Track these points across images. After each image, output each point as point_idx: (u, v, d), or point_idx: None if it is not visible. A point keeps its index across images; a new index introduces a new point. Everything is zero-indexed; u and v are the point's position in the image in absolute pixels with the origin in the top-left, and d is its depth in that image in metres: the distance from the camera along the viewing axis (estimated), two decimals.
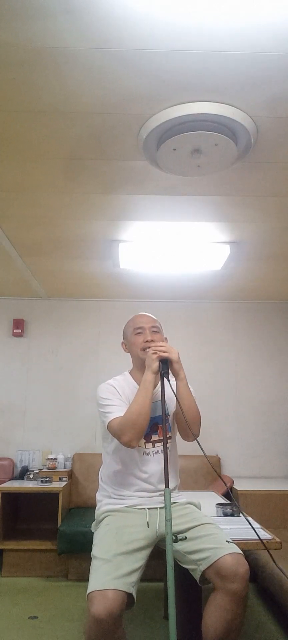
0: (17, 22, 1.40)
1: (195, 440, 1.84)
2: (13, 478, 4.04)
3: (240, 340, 4.52)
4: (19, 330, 4.40)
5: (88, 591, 1.58)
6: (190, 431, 1.89)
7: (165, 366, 1.88)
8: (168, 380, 1.87)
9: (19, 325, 4.42)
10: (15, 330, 4.40)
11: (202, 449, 1.71)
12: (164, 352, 1.89)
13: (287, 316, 4.57)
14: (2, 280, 3.97)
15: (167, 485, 1.61)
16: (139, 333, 2.06)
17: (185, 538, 1.72)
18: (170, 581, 1.48)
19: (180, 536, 1.66)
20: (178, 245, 3.10)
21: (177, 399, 1.91)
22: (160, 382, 1.88)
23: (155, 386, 1.95)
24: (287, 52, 1.51)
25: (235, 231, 2.89)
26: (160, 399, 1.94)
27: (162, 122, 1.80)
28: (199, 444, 1.75)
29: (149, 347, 1.96)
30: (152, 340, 2.01)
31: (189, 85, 1.66)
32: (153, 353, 1.89)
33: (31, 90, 1.68)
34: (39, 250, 3.25)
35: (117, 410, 1.91)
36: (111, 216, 2.71)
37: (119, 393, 2.00)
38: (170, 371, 1.91)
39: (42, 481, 3.67)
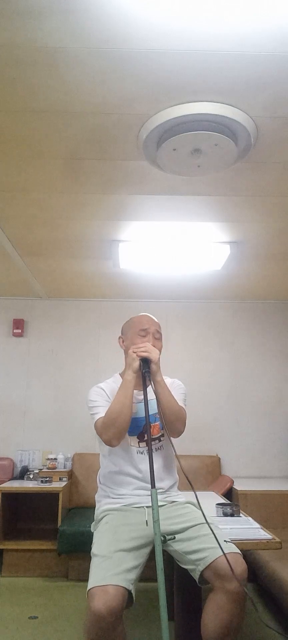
0: (17, 22, 1.40)
1: (169, 439, 1.92)
2: (13, 478, 4.03)
3: (240, 340, 4.52)
4: (19, 330, 4.40)
5: (88, 587, 1.58)
6: (169, 429, 1.94)
7: (146, 365, 1.91)
8: (150, 379, 1.90)
9: (19, 325, 4.42)
10: (15, 330, 4.40)
11: (173, 446, 1.83)
12: (144, 352, 1.92)
13: (287, 316, 4.57)
14: (2, 280, 3.97)
15: (153, 485, 1.62)
16: (142, 335, 2.05)
17: (174, 538, 1.73)
18: (161, 583, 1.49)
19: (168, 537, 1.67)
20: (178, 245, 3.10)
21: (157, 398, 1.94)
22: (143, 382, 1.91)
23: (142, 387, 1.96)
24: (287, 53, 1.51)
25: (235, 231, 2.89)
26: (151, 398, 1.96)
27: (162, 122, 1.81)
28: (171, 442, 1.88)
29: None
30: (153, 347, 2.00)
31: (189, 85, 1.66)
32: (133, 352, 1.93)
33: (31, 90, 1.68)
34: (39, 250, 3.25)
35: (102, 411, 1.95)
36: (111, 216, 2.71)
37: (107, 394, 2.02)
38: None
39: (42, 481, 3.67)
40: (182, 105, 1.75)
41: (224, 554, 1.62)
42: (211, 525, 1.69)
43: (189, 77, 1.62)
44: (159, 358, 1.96)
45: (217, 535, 1.73)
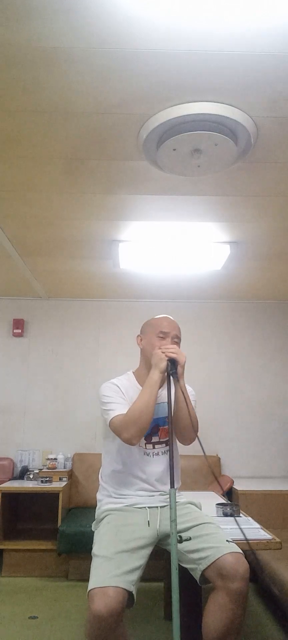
0: (17, 22, 1.40)
1: (197, 439, 1.84)
2: (13, 478, 4.03)
3: (240, 340, 4.52)
4: (19, 330, 4.40)
5: (88, 588, 1.58)
6: (182, 436, 1.92)
7: (173, 367, 1.88)
8: (177, 379, 1.87)
9: (19, 325, 4.42)
10: (15, 330, 4.40)
11: (202, 448, 1.70)
12: (173, 353, 1.89)
13: (287, 316, 4.57)
14: (2, 280, 3.97)
15: (172, 485, 1.60)
16: (162, 337, 2.03)
17: (190, 539, 1.70)
18: (175, 582, 1.48)
19: (184, 536, 1.65)
20: (178, 245, 3.10)
21: (183, 401, 1.90)
22: (166, 384, 1.88)
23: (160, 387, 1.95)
24: (287, 53, 1.51)
25: (235, 231, 2.89)
26: (163, 401, 1.95)
27: (162, 122, 1.80)
28: (201, 444, 1.74)
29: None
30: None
31: (189, 85, 1.66)
32: (162, 352, 1.89)
33: (31, 90, 1.68)
34: (39, 250, 3.25)
35: (119, 408, 1.91)
36: (111, 216, 2.71)
37: (122, 392, 1.99)
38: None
39: (42, 481, 3.67)
40: (182, 105, 1.75)
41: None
42: (214, 524, 1.69)
43: (189, 77, 1.62)
44: (185, 362, 1.92)
45: (218, 535, 1.74)
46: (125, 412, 1.88)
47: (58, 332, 4.47)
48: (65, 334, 4.47)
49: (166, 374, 1.88)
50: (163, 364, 1.87)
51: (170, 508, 1.56)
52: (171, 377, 1.87)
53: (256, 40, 1.47)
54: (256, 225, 2.80)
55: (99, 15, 1.38)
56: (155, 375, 1.88)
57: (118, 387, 2.00)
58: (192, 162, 2.02)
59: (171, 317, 2.13)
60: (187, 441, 1.98)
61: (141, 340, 2.12)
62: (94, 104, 1.75)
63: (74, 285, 4.08)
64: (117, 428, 1.87)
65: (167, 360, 1.87)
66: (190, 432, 1.92)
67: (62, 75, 1.61)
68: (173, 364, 1.88)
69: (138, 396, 1.90)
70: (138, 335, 2.16)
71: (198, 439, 1.82)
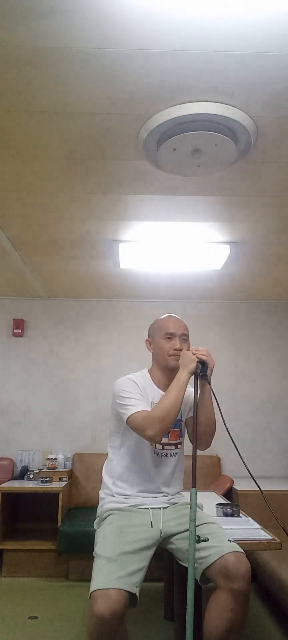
0: (17, 22, 1.40)
1: (230, 437, 1.92)
2: (13, 478, 4.03)
3: (240, 340, 4.52)
4: (19, 330, 4.40)
5: (91, 590, 1.57)
6: (200, 440, 1.94)
7: (203, 369, 1.89)
8: (208, 381, 1.89)
9: (19, 325, 4.41)
10: (15, 330, 4.40)
11: (235, 446, 1.85)
12: (204, 355, 1.89)
13: (287, 316, 4.57)
14: (2, 280, 3.97)
15: (193, 485, 1.63)
16: (168, 338, 2.02)
17: (207, 539, 1.68)
18: (190, 582, 1.51)
19: (202, 537, 1.64)
20: (178, 245, 3.10)
21: (201, 406, 1.93)
22: (193, 385, 1.90)
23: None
24: (287, 52, 1.51)
25: (235, 231, 2.89)
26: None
27: (162, 122, 1.81)
28: (232, 440, 1.89)
29: (178, 357, 1.95)
30: (181, 349, 1.98)
31: (189, 85, 1.66)
32: (193, 354, 1.89)
33: (31, 90, 1.68)
34: (39, 250, 3.25)
35: (139, 404, 1.88)
36: (111, 216, 2.71)
37: (140, 389, 1.97)
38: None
39: (42, 481, 3.67)
40: (182, 105, 1.75)
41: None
42: (216, 524, 1.70)
43: (189, 77, 1.62)
44: (213, 367, 1.92)
45: (220, 535, 1.74)
46: (145, 408, 1.87)
47: (58, 332, 4.47)
48: (65, 334, 4.47)
49: (195, 375, 1.89)
50: (193, 365, 1.87)
51: (191, 508, 1.58)
52: (198, 380, 1.88)
53: (256, 40, 1.46)
54: (256, 225, 2.79)
55: (99, 15, 1.38)
56: (184, 375, 1.87)
57: (136, 383, 1.98)
58: (192, 162, 2.02)
59: (176, 316, 2.11)
60: (204, 445, 2.01)
61: (150, 344, 2.12)
62: (94, 104, 1.75)
63: (74, 285, 4.08)
64: (139, 424, 1.83)
65: (198, 361, 1.87)
66: (210, 438, 2.00)
67: (62, 75, 1.61)
68: (203, 366, 1.89)
69: (165, 395, 1.88)
70: (147, 340, 2.14)
71: (230, 436, 1.93)
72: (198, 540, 1.57)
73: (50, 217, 2.73)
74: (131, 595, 1.59)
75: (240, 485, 3.71)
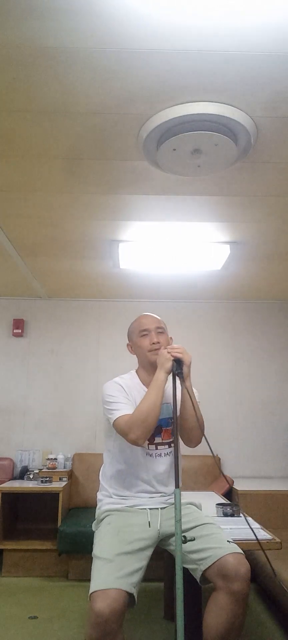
0: (17, 22, 1.40)
1: (205, 439, 1.82)
2: (13, 478, 4.03)
3: (240, 340, 4.52)
4: (19, 330, 4.40)
5: (90, 591, 1.57)
6: (188, 437, 1.89)
7: (179, 366, 1.87)
8: (182, 379, 1.86)
9: (19, 325, 4.41)
10: (15, 330, 4.40)
11: (210, 447, 1.72)
12: (179, 353, 1.88)
13: (287, 316, 4.57)
14: (2, 280, 3.97)
15: (177, 485, 1.60)
16: (144, 335, 2.03)
17: (194, 539, 1.69)
18: (179, 583, 1.47)
19: (189, 537, 1.65)
20: (178, 245, 3.10)
21: (189, 401, 1.88)
22: (172, 383, 1.87)
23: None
24: (287, 52, 1.51)
25: (235, 231, 2.89)
26: (166, 402, 1.94)
27: (162, 122, 1.81)
28: (207, 442, 1.75)
29: (157, 349, 1.95)
30: (158, 342, 1.99)
31: (189, 85, 1.66)
32: (168, 353, 1.88)
33: (31, 90, 1.68)
34: (39, 250, 3.25)
35: (124, 408, 1.89)
36: (111, 216, 2.71)
37: (126, 392, 1.98)
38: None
39: (42, 481, 3.67)
40: (182, 105, 1.75)
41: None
42: (215, 524, 1.69)
43: (189, 77, 1.62)
44: (191, 362, 1.91)
45: (219, 535, 1.73)
46: (130, 412, 1.87)
47: (58, 332, 4.47)
48: (65, 334, 4.47)
49: (172, 374, 1.86)
50: (169, 364, 1.86)
51: (175, 508, 1.55)
52: (177, 378, 1.86)
53: (256, 40, 1.47)
54: (256, 225, 2.79)
55: (99, 15, 1.38)
56: (161, 375, 1.86)
57: (121, 386, 1.99)
58: (192, 162, 2.02)
59: (148, 313, 2.13)
60: (193, 443, 1.97)
61: (131, 347, 2.13)
62: (94, 104, 1.75)
63: (74, 285, 4.08)
64: (122, 429, 1.85)
65: (173, 360, 1.86)
66: (196, 434, 1.91)
67: (62, 75, 1.61)
68: (178, 363, 1.87)
69: (144, 397, 1.88)
70: (127, 344, 2.16)
71: (205, 438, 1.80)
72: (185, 540, 1.57)
73: (50, 217, 2.73)
74: (129, 596, 1.59)
75: (240, 485, 3.71)
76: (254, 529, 2.08)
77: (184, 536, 1.56)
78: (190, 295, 4.34)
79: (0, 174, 2.26)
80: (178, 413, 2.02)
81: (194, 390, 2.06)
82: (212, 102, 1.74)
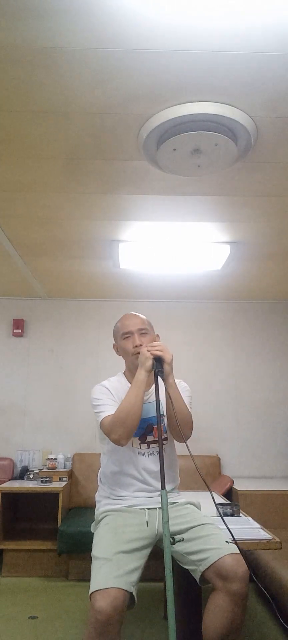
0: (17, 22, 1.40)
1: (185, 443, 1.80)
2: (13, 478, 4.03)
3: (240, 340, 4.52)
4: (19, 330, 4.40)
5: (90, 591, 1.57)
6: (181, 433, 1.86)
7: (159, 365, 1.85)
8: (163, 379, 1.85)
9: (19, 325, 4.42)
10: (15, 330, 4.40)
11: (189, 451, 1.70)
12: (159, 351, 1.86)
13: (287, 316, 4.57)
14: (2, 280, 3.97)
15: (163, 486, 1.60)
16: (127, 337, 2.03)
17: (183, 539, 1.70)
18: (169, 585, 1.46)
19: (177, 538, 1.64)
20: (178, 245, 3.10)
21: (169, 399, 1.86)
22: (154, 383, 1.88)
23: (148, 387, 1.95)
24: (287, 52, 1.51)
25: (235, 231, 2.89)
26: (155, 400, 1.93)
27: (162, 122, 1.81)
28: (187, 446, 1.73)
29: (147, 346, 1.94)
30: (141, 345, 1.97)
31: (189, 85, 1.66)
32: (148, 351, 1.87)
33: (31, 90, 1.68)
34: (39, 250, 3.25)
35: (108, 409, 1.91)
36: (111, 216, 2.71)
37: (112, 393, 1.99)
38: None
39: (42, 481, 3.67)
40: (182, 105, 1.75)
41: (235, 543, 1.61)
42: (213, 524, 1.68)
43: (189, 77, 1.62)
44: (172, 359, 1.88)
45: (218, 536, 1.73)
46: (111, 413, 1.88)
47: (58, 332, 4.47)
48: (65, 334, 4.47)
49: (153, 373, 1.85)
50: (149, 363, 1.84)
51: (162, 510, 1.54)
52: (159, 376, 1.85)
53: (256, 40, 1.47)
54: (256, 225, 2.79)
55: (98, 15, 1.38)
56: (141, 374, 1.86)
57: (107, 388, 2.00)
58: (192, 162, 2.02)
59: (132, 313, 2.11)
60: (181, 439, 1.94)
61: (117, 349, 2.14)
62: (94, 104, 1.75)
63: (74, 285, 4.08)
64: (106, 430, 1.88)
65: (153, 358, 1.85)
66: (184, 430, 1.87)
67: (62, 75, 1.61)
68: (159, 362, 1.85)
69: (125, 397, 1.89)
70: (114, 345, 2.17)
71: (186, 444, 1.78)
72: (173, 542, 1.57)
73: (50, 217, 2.73)
74: (129, 595, 1.59)
75: (240, 485, 3.71)
76: (254, 529, 2.08)
77: (173, 537, 1.56)
78: (190, 295, 4.34)
79: (0, 174, 2.26)
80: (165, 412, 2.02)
81: (184, 385, 2.07)
82: (212, 102, 1.74)
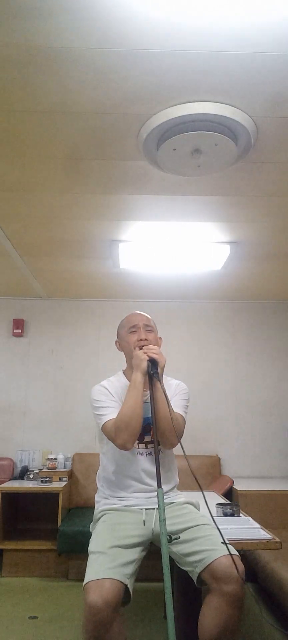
0: (17, 22, 1.40)
1: (179, 443, 1.80)
2: (13, 478, 4.03)
3: (240, 340, 4.52)
4: (19, 330, 4.40)
5: (84, 583, 1.59)
6: (160, 439, 1.87)
7: (154, 366, 1.87)
8: (158, 380, 1.85)
9: (19, 325, 4.42)
10: (15, 330, 4.40)
11: (183, 450, 1.70)
12: (155, 353, 1.89)
13: (287, 316, 4.57)
14: (2, 280, 3.97)
15: (159, 485, 1.61)
16: (132, 332, 2.05)
17: (179, 538, 1.70)
18: (167, 581, 1.47)
19: (174, 536, 1.65)
20: (178, 245, 3.10)
21: (152, 403, 1.85)
22: (153, 384, 1.88)
23: (146, 388, 1.95)
24: (287, 52, 1.51)
25: (235, 231, 2.89)
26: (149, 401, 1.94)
27: (162, 122, 1.81)
28: (182, 446, 1.73)
29: (142, 346, 1.96)
30: (146, 339, 2.00)
31: (189, 85, 1.66)
32: (144, 353, 1.89)
33: (31, 90, 1.68)
34: (39, 250, 3.25)
35: (110, 412, 1.91)
36: (111, 216, 2.71)
37: (112, 394, 1.99)
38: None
39: (42, 481, 3.67)
40: (182, 105, 1.75)
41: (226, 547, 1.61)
42: (210, 525, 1.68)
43: (189, 77, 1.62)
44: (164, 365, 1.92)
45: (213, 537, 1.73)
46: (114, 416, 1.88)
47: (58, 332, 4.47)
48: (65, 334, 4.47)
49: (148, 374, 1.87)
50: (144, 364, 1.88)
51: (159, 508, 1.56)
52: (153, 378, 1.86)
53: (256, 40, 1.47)
54: (256, 225, 2.79)
55: (98, 15, 1.38)
56: (138, 377, 1.88)
57: (107, 389, 2.01)
58: (192, 162, 2.02)
59: (138, 311, 2.15)
60: (167, 445, 1.95)
61: (119, 344, 2.15)
62: (94, 104, 1.75)
63: (74, 285, 4.08)
64: (110, 433, 1.88)
65: (148, 360, 1.87)
66: (170, 436, 1.86)
67: (62, 75, 1.61)
68: (153, 364, 1.87)
69: (124, 400, 1.90)
70: (116, 341, 2.18)
71: (181, 444, 1.77)
72: (170, 539, 1.57)
73: (50, 217, 2.73)
74: (124, 588, 1.59)
75: (240, 485, 3.71)
76: (254, 529, 2.08)
77: (169, 535, 1.57)
78: (190, 295, 4.34)
79: (0, 174, 2.26)
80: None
81: (183, 387, 2.08)
82: (212, 102, 1.74)
